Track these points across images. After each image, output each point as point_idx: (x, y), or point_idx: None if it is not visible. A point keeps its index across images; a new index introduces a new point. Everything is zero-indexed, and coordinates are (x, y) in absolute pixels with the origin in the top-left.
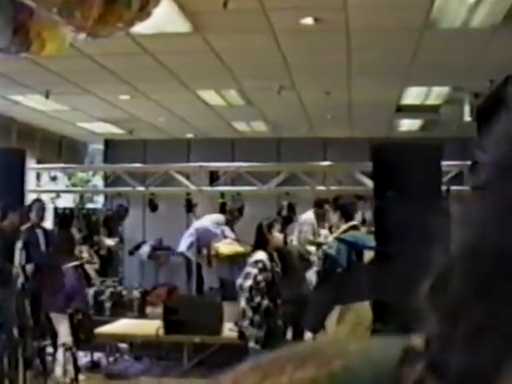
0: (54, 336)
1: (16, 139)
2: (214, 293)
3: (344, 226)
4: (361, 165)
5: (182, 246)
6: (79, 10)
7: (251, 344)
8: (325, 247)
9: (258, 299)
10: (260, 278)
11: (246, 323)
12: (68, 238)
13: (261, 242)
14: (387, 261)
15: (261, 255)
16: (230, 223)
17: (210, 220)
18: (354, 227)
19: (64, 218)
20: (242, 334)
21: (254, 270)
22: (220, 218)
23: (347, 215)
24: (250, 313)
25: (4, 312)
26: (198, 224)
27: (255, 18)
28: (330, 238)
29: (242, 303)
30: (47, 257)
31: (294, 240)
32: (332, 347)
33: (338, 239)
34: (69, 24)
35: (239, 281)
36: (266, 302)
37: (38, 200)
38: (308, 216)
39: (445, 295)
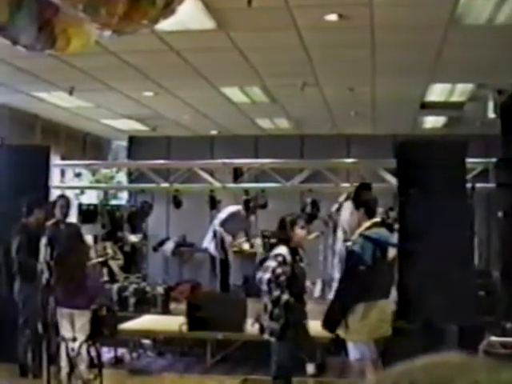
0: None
1: (40, 136)
2: (237, 289)
3: (368, 223)
4: (384, 162)
5: (206, 241)
6: (104, 7)
7: (266, 336)
8: (349, 244)
9: (277, 293)
10: (279, 271)
11: (266, 316)
12: (75, 232)
13: (283, 237)
14: (411, 258)
15: (282, 249)
16: (248, 215)
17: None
18: (378, 224)
19: (88, 214)
20: (262, 328)
21: (273, 264)
22: (235, 209)
23: (370, 211)
24: (269, 306)
25: (29, 307)
26: (220, 216)
27: (279, 14)
28: (355, 236)
29: (264, 297)
30: (68, 253)
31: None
32: (460, 378)
33: (363, 236)
34: (94, 21)
35: (259, 274)
36: (285, 297)
37: (62, 196)
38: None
39: None
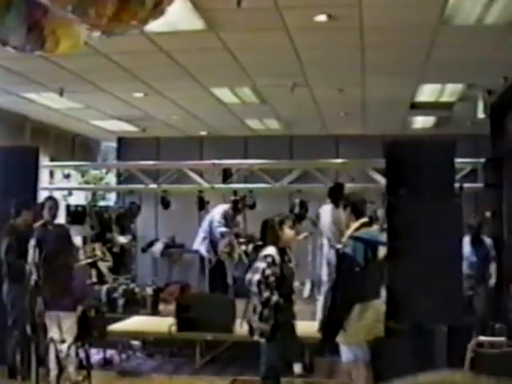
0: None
1: (30, 137)
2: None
3: (356, 224)
4: (373, 161)
5: (196, 243)
6: (93, 7)
7: (256, 337)
8: (340, 246)
9: (266, 294)
10: (268, 272)
11: (255, 317)
12: (63, 234)
13: (271, 238)
14: (400, 258)
15: (270, 250)
16: (234, 214)
17: (216, 213)
18: (366, 224)
19: (76, 215)
20: (251, 329)
21: (263, 265)
22: (225, 208)
23: (358, 212)
24: (259, 307)
25: (17, 309)
26: (209, 217)
27: (269, 15)
28: (344, 238)
29: (254, 298)
30: (55, 254)
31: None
32: None
33: (353, 237)
34: (83, 22)
35: (248, 275)
36: (275, 298)
37: (50, 197)
38: (325, 220)
39: None
